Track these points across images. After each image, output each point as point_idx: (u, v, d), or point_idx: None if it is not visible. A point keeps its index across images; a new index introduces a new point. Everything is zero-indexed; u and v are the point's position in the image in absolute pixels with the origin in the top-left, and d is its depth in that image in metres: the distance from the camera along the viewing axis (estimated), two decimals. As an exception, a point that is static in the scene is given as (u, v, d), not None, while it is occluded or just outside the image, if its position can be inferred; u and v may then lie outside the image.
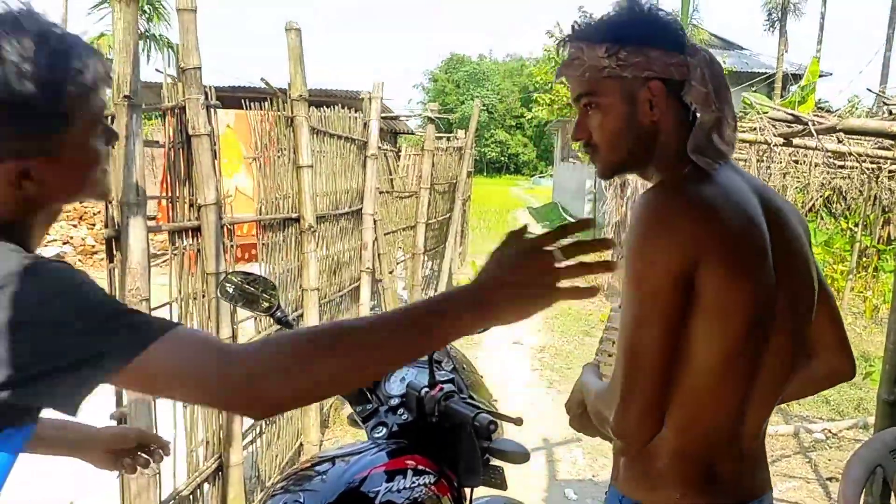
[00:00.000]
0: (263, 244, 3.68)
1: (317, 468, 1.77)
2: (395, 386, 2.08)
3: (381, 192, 6.51)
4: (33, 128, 0.98)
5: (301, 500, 1.61)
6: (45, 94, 0.97)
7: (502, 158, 70.83)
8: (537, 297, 0.99)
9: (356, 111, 5.52)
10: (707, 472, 1.30)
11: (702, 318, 1.21)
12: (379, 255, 6.24)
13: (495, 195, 35.46)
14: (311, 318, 4.06)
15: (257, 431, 3.63)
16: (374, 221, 5.92)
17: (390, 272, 6.68)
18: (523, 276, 0.98)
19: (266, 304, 1.93)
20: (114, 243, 2.47)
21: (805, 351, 1.43)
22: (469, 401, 1.87)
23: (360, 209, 5.40)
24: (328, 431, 4.64)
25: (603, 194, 13.43)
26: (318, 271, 4.20)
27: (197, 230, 2.91)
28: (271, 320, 2.14)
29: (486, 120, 67.31)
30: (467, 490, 1.95)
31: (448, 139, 11.09)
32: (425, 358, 1.91)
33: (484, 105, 65.61)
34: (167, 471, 2.75)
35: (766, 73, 22.61)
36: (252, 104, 3.69)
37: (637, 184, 9.44)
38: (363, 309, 5.45)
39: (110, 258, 2.48)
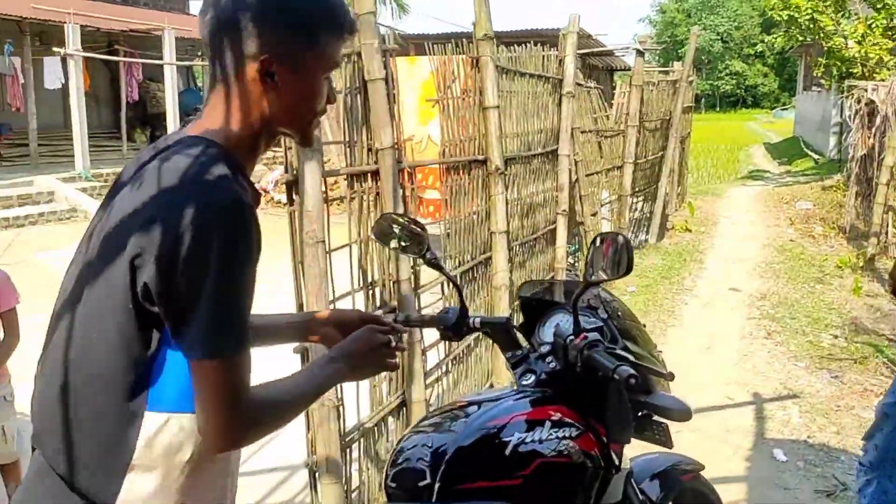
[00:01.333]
0: (447, 187, 3.71)
1: (466, 409, 1.75)
2: (548, 332, 1.99)
3: (583, 132, 6.28)
4: (294, 34, 1.15)
5: (429, 444, 1.60)
6: (317, 11, 1.17)
7: (738, 91, 65.17)
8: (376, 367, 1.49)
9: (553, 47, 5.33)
10: None
11: None
12: (580, 196, 6.07)
13: (728, 131, 32.92)
14: (500, 261, 4.04)
15: (443, 370, 3.72)
16: (575, 162, 5.74)
17: (593, 214, 6.47)
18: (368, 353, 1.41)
19: (420, 247, 1.91)
20: (293, 188, 2.61)
21: None
22: (616, 351, 1.73)
23: (556, 149, 5.24)
24: (521, 374, 4.65)
25: (849, 125, 11.87)
26: (507, 214, 4.15)
27: (375, 174, 2.99)
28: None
29: (721, 50, 62.11)
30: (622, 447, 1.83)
31: (667, 73, 10.40)
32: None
33: (718, 34, 60.63)
34: (350, 403, 2.91)
35: None
36: (434, 48, 3.69)
37: (888, 111, 8.26)
38: (559, 252, 5.34)
39: (290, 202, 2.63)
